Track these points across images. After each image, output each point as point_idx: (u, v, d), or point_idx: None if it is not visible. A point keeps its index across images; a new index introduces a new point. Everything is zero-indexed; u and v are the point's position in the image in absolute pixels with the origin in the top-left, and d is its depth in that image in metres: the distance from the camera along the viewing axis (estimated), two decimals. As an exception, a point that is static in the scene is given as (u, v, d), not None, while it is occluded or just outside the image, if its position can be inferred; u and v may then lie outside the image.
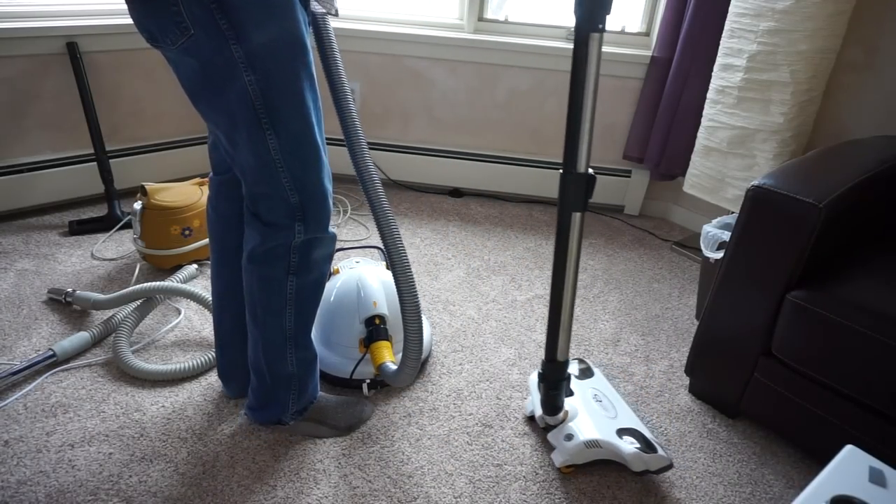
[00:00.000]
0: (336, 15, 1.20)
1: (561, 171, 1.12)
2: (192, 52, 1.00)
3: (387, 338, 1.53)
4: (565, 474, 1.39)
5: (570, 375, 1.37)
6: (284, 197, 1.14)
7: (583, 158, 1.10)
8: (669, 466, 1.34)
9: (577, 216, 1.16)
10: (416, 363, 1.30)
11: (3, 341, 1.67)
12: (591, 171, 1.12)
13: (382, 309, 1.57)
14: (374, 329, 1.53)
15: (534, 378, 1.52)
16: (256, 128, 1.07)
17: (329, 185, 1.18)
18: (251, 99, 1.04)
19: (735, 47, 1.91)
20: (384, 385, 1.60)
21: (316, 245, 1.21)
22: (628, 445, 1.34)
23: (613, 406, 1.48)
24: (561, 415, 1.40)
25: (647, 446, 1.35)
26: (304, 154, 1.11)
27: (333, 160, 2.72)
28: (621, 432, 1.38)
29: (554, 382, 1.33)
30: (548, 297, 2.05)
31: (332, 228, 1.24)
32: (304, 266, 1.22)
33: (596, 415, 1.43)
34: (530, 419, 1.53)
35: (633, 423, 1.43)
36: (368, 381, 1.54)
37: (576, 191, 1.12)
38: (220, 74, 1.02)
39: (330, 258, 1.27)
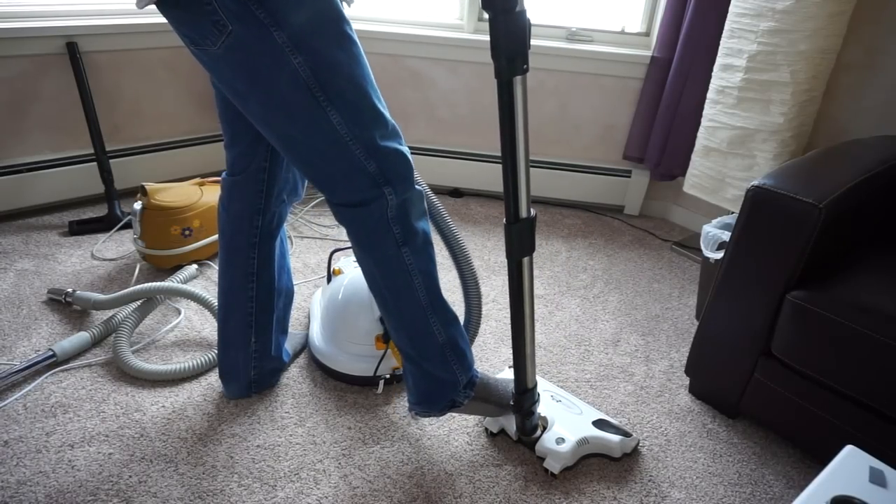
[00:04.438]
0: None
1: (504, 222, 1.10)
2: (235, 49, 0.99)
3: None
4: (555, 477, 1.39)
5: (539, 395, 1.38)
6: (362, 168, 1.11)
7: (525, 202, 1.08)
8: (638, 444, 1.48)
9: (526, 259, 1.14)
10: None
11: (3, 341, 1.67)
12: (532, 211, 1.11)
13: None
14: None
15: None
16: (315, 108, 1.05)
17: (399, 143, 1.15)
18: (304, 80, 1.02)
19: (735, 47, 1.91)
20: (400, 379, 1.61)
21: (409, 207, 1.19)
22: (612, 436, 1.42)
23: (573, 403, 1.51)
24: (539, 431, 1.41)
25: (622, 432, 1.44)
26: (367, 119, 1.09)
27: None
28: (597, 425, 1.44)
29: (529, 410, 1.34)
30: (547, 298, 2.05)
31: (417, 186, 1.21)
32: (409, 233, 1.20)
33: (566, 415, 1.46)
34: (495, 436, 1.48)
35: (598, 413, 1.49)
36: (388, 375, 1.56)
37: (523, 237, 1.11)
38: (267, 65, 1.01)
39: (426, 214, 1.25)
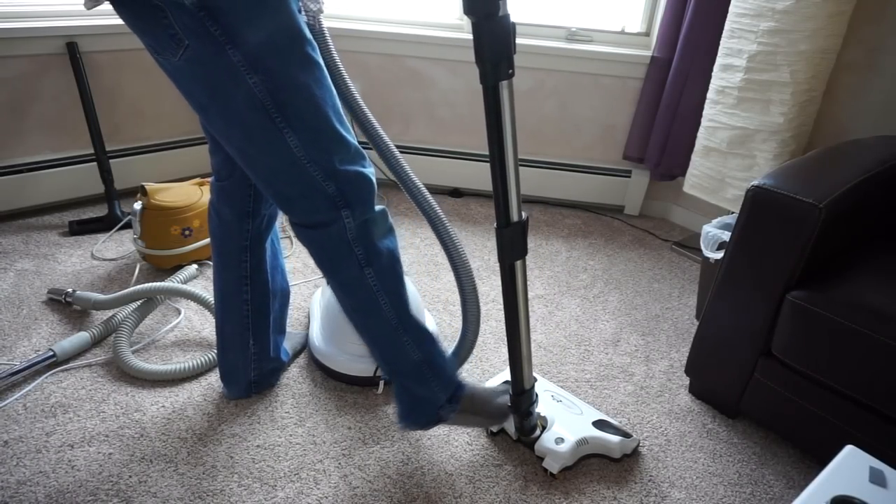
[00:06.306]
0: (320, 13, 1.17)
1: (495, 226, 1.10)
2: (194, 63, 0.98)
3: None
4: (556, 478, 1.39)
5: (537, 395, 1.37)
6: (320, 189, 1.10)
7: (516, 206, 1.07)
8: (639, 445, 1.48)
9: (519, 262, 1.14)
10: (469, 351, 1.36)
11: (3, 341, 1.67)
12: (523, 214, 1.10)
13: None
14: None
15: None
16: (272, 129, 1.04)
17: (361, 166, 1.14)
18: (260, 100, 1.01)
19: (735, 47, 1.91)
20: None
21: (371, 227, 1.17)
22: (612, 436, 1.42)
23: (574, 403, 1.51)
24: (538, 431, 1.41)
25: (622, 433, 1.43)
26: (326, 142, 1.08)
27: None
28: (596, 425, 1.44)
29: (526, 411, 1.34)
30: (547, 298, 2.05)
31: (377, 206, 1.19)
32: (373, 253, 1.18)
33: (566, 415, 1.46)
34: (495, 435, 1.48)
35: (598, 414, 1.49)
36: (388, 376, 1.56)
37: (515, 240, 1.10)
38: (224, 82, 1.00)
39: (391, 232, 1.23)
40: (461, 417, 1.36)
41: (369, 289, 1.20)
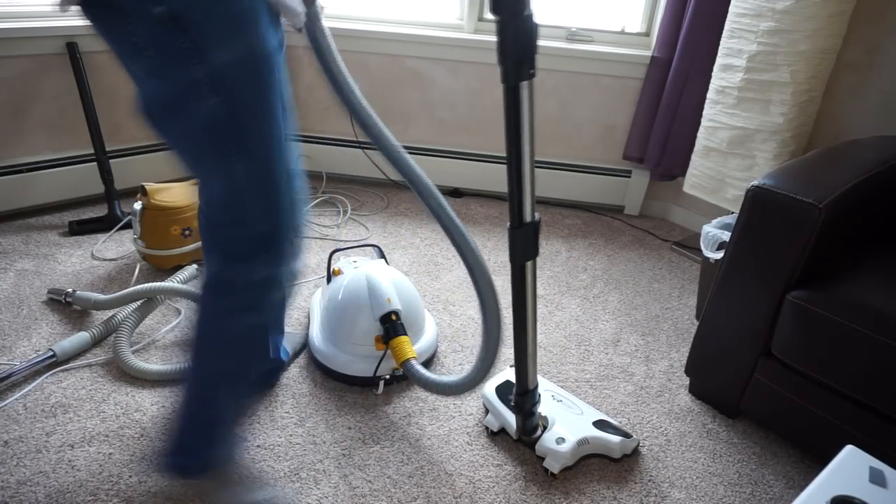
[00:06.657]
0: (302, 21, 1.11)
1: (508, 226, 1.09)
2: (153, 74, 0.94)
3: (405, 333, 1.53)
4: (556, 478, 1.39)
5: (540, 395, 1.37)
6: (252, 226, 1.06)
7: (530, 207, 1.07)
8: (639, 445, 1.48)
9: (529, 262, 1.13)
10: (485, 372, 1.29)
11: (3, 341, 1.67)
12: (536, 215, 1.09)
13: (396, 305, 1.57)
14: (392, 325, 1.54)
15: (491, 393, 1.52)
16: (222, 154, 0.99)
17: (297, 210, 1.10)
18: (216, 122, 0.96)
19: (735, 47, 1.91)
20: (400, 380, 1.61)
21: (277, 282, 1.13)
22: (612, 436, 1.41)
23: (573, 403, 1.51)
24: (539, 431, 1.41)
25: (622, 433, 1.43)
26: (273, 180, 1.04)
27: (335, 160, 2.72)
28: (597, 425, 1.44)
29: (530, 410, 1.34)
30: (547, 298, 2.05)
31: (299, 262, 1.14)
32: (263, 305, 1.14)
33: (567, 415, 1.46)
34: (495, 434, 1.48)
35: (598, 414, 1.49)
36: (388, 376, 1.57)
37: (528, 241, 1.10)
38: (182, 97, 0.95)
39: (286, 300, 1.18)
40: (211, 483, 1.28)
41: (231, 331, 1.14)
